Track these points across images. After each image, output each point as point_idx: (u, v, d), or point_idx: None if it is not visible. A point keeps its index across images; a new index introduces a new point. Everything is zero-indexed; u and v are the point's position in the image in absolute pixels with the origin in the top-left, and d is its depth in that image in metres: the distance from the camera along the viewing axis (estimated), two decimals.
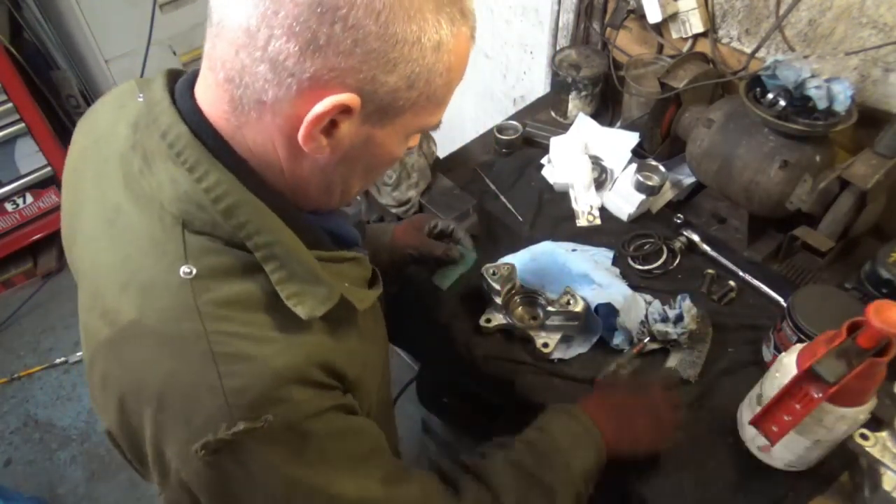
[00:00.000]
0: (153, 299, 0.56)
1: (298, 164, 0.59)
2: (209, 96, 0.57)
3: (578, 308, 1.03)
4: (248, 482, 0.56)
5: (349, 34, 0.50)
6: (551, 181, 1.38)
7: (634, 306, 1.07)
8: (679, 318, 1.04)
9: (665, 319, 1.06)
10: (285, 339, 0.57)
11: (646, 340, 1.05)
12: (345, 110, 0.53)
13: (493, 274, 1.08)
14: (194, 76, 0.61)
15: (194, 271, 0.55)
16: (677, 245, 1.22)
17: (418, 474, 0.72)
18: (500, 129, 1.48)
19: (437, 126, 0.64)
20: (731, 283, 1.15)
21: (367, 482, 0.63)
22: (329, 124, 0.54)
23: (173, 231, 0.56)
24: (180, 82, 0.62)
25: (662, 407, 0.91)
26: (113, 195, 0.61)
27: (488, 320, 1.10)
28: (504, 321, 1.09)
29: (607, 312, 1.07)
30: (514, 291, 1.11)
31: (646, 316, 1.07)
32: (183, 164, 0.56)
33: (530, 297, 1.11)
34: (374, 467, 0.65)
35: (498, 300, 1.09)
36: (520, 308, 1.11)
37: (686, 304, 1.05)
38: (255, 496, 0.57)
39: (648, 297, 1.12)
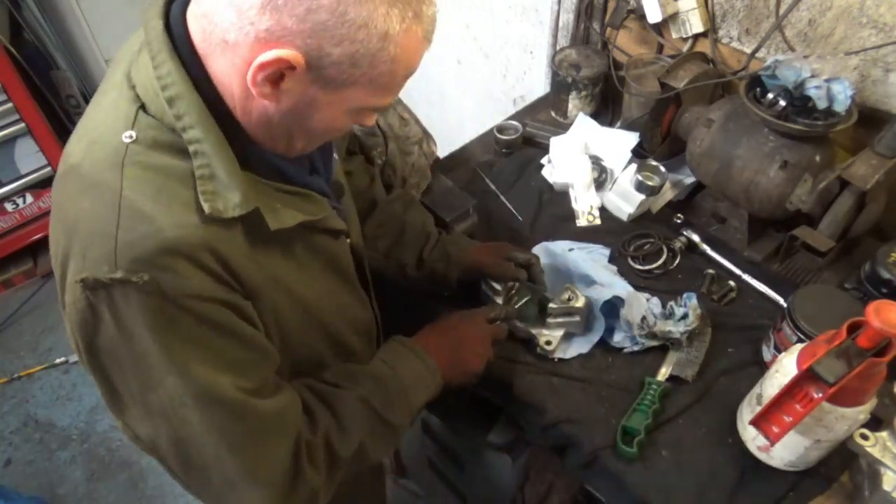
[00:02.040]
0: (94, 150, 0.65)
1: (249, 105, 0.66)
2: (192, 23, 0.65)
3: (580, 304, 1.03)
4: (113, 333, 0.62)
5: (304, 2, 0.57)
6: (551, 181, 1.38)
7: (636, 302, 1.07)
8: (684, 317, 1.04)
9: (668, 317, 1.06)
10: (187, 217, 0.63)
11: (644, 339, 1.05)
12: (289, 67, 0.60)
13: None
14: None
15: (135, 136, 0.63)
16: (677, 245, 1.22)
17: (285, 392, 0.75)
18: (500, 129, 1.48)
19: (383, 108, 0.72)
20: (731, 283, 1.15)
21: (223, 380, 0.66)
22: (277, 76, 0.61)
23: (131, 106, 0.65)
24: (175, 6, 0.68)
25: (469, 332, 0.99)
26: (108, 80, 0.70)
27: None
28: (504, 323, 1.09)
29: (608, 311, 1.07)
30: (514, 291, 1.11)
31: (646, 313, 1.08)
32: (149, 53, 0.64)
33: (533, 295, 1.11)
34: (239, 376, 0.68)
35: (499, 300, 1.09)
36: (522, 307, 1.11)
37: (693, 304, 1.05)
38: (117, 350, 0.63)
39: (648, 296, 1.12)
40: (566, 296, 1.05)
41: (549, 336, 1.06)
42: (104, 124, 0.66)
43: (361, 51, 0.61)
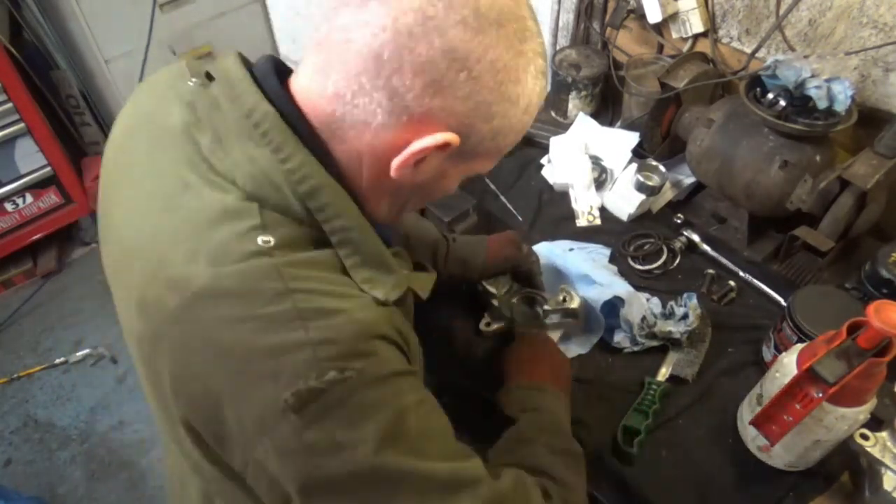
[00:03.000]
0: (229, 264, 0.54)
1: (377, 183, 0.62)
2: (310, 98, 0.59)
3: (574, 304, 1.03)
4: (336, 453, 0.53)
5: (469, 84, 0.55)
6: (551, 181, 1.38)
7: (636, 302, 1.07)
8: (684, 317, 1.04)
9: (668, 317, 1.06)
10: (367, 298, 0.58)
11: (644, 339, 1.05)
12: (441, 147, 0.57)
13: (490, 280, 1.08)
14: (275, 64, 0.63)
15: (272, 240, 0.55)
16: (677, 245, 1.22)
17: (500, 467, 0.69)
18: None
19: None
20: (731, 283, 1.15)
21: (456, 461, 0.59)
22: (417, 160, 0.58)
23: (249, 206, 0.57)
24: (261, 66, 0.63)
25: (550, 341, 1.01)
26: (175, 171, 0.60)
27: (488, 324, 1.09)
28: (504, 325, 1.09)
29: (608, 311, 1.07)
30: (511, 292, 1.11)
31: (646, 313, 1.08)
32: (268, 145, 0.57)
33: (529, 297, 1.11)
34: (457, 447, 0.62)
35: (495, 302, 1.09)
36: (519, 309, 1.11)
37: (692, 304, 1.05)
38: (341, 472, 0.53)
39: (648, 296, 1.12)
40: (561, 297, 1.05)
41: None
42: (218, 234, 0.56)
43: (506, 124, 0.60)
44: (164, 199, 0.60)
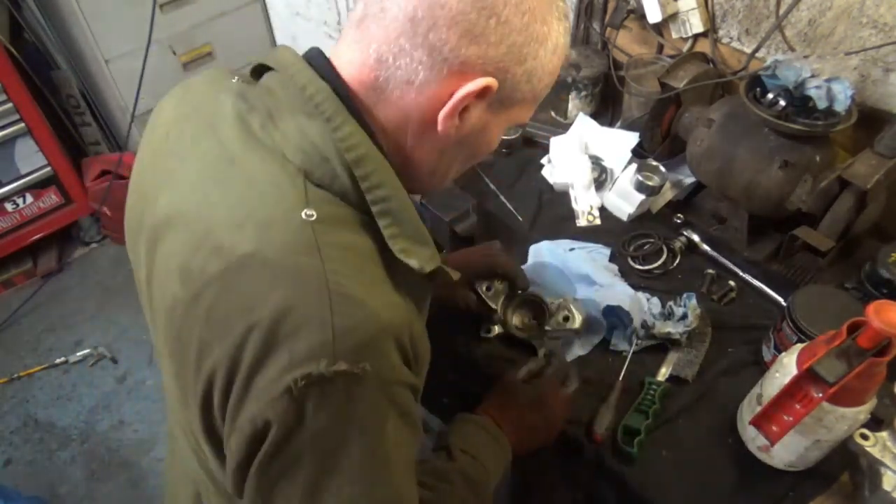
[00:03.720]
0: (272, 234, 0.57)
1: (423, 142, 0.64)
2: (352, 71, 0.62)
3: (577, 325, 1.03)
4: (307, 437, 0.54)
5: (500, 28, 0.58)
6: (551, 181, 1.38)
7: (636, 307, 1.07)
8: (683, 317, 1.04)
9: (667, 318, 1.06)
10: (392, 296, 0.60)
11: (644, 340, 1.05)
12: (481, 94, 0.60)
13: (488, 289, 1.07)
14: (319, 52, 0.65)
15: (315, 215, 0.57)
16: (677, 245, 1.22)
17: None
18: None
19: (525, 124, 0.69)
20: (731, 283, 1.15)
21: (411, 491, 0.61)
22: (462, 109, 0.61)
23: (296, 178, 0.59)
24: (312, 52, 0.65)
25: (555, 407, 0.94)
26: (224, 151, 0.62)
27: (488, 330, 1.09)
28: (503, 331, 1.08)
29: (610, 313, 1.07)
30: (508, 300, 1.09)
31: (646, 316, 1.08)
32: (322, 115, 0.59)
33: (529, 300, 1.09)
34: (411, 471, 0.63)
35: (495, 307, 1.08)
36: (518, 314, 1.10)
37: (692, 304, 1.05)
38: (302, 459, 0.55)
39: (647, 296, 1.12)
40: (562, 315, 1.04)
41: (548, 346, 1.05)
42: (266, 205, 0.58)
43: (538, 66, 0.62)
44: (214, 172, 0.62)
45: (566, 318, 1.04)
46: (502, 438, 0.87)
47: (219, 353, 0.56)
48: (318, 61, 0.64)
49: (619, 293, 1.08)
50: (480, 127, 0.65)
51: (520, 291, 1.09)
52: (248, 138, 0.62)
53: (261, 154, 0.61)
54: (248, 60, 0.71)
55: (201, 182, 0.63)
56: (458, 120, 0.62)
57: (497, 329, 1.09)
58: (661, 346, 1.06)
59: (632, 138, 1.34)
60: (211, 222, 0.60)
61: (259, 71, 0.69)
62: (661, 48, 1.46)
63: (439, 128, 0.62)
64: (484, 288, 1.07)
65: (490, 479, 0.83)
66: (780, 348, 0.97)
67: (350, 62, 0.62)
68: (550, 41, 0.61)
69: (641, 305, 1.08)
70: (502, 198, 1.37)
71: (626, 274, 1.19)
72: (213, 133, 0.64)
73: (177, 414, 0.75)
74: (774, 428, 0.82)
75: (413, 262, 0.61)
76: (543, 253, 1.20)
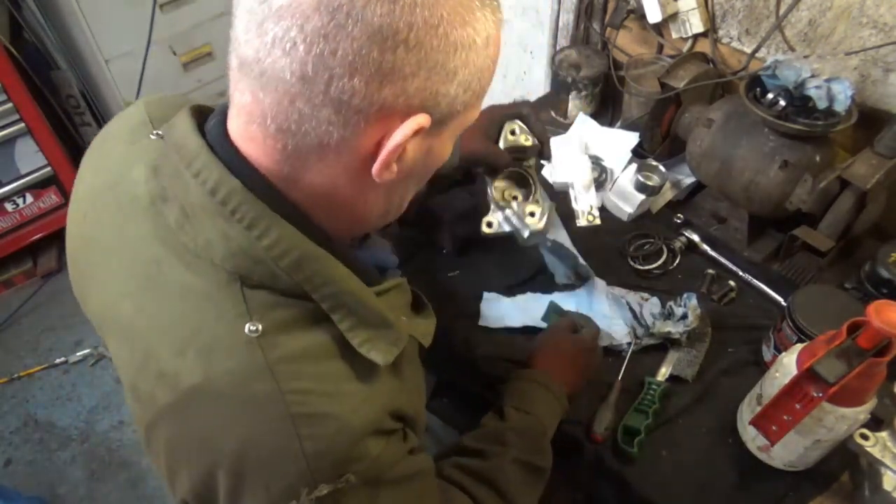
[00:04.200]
0: (218, 361, 0.53)
1: (363, 195, 0.58)
2: (255, 147, 0.54)
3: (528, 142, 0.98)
4: None
5: (413, 55, 0.48)
6: (551, 181, 1.38)
7: (617, 307, 1.08)
8: (683, 317, 1.04)
9: (667, 318, 1.06)
10: (360, 392, 0.56)
11: (641, 339, 1.05)
12: (415, 134, 0.52)
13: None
14: (223, 117, 0.57)
15: (260, 328, 0.53)
16: (677, 245, 1.22)
17: (455, 496, 0.72)
18: None
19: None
20: (731, 283, 1.15)
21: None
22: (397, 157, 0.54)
23: (230, 288, 0.54)
24: (212, 127, 0.57)
25: (591, 348, 0.98)
26: (146, 248, 0.57)
27: (489, 224, 1.02)
28: (506, 230, 1.02)
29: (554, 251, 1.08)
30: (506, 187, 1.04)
31: (641, 313, 1.08)
32: (240, 222, 0.53)
33: (516, 174, 1.03)
34: (434, 495, 0.65)
35: (492, 193, 1.02)
36: (506, 185, 1.04)
37: (692, 304, 1.05)
38: None
39: (646, 295, 1.12)
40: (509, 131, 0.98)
41: (534, 208, 1.00)
42: (204, 324, 0.54)
43: (472, 72, 0.53)
44: (143, 277, 0.57)
45: (513, 132, 0.98)
46: (554, 385, 0.87)
47: (188, 485, 0.55)
48: (223, 148, 0.55)
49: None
50: (424, 155, 0.57)
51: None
52: (167, 237, 0.56)
53: (186, 260, 0.55)
54: None
55: (131, 288, 0.58)
56: (395, 166, 0.54)
57: (497, 219, 1.01)
58: (661, 346, 1.06)
59: (632, 138, 1.34)
60: (149, 342, 0.56)
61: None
62: (661, 48, 1.46)
63: (376, 180, 0.55)
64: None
65: (546, 429, 0.84)
66: (780, 348, 0.97)
67: (252, 139, 0.54)
68: (479, 39, 0.52)
69: (622, 306, 1.10)
70: None
71: (627, 274, 1.19)
72: (133, 225, 0.59)
73: None
74: (774, 428, 0.82)
75: (377, 358, 0.56)
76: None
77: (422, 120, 0.52)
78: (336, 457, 0.52)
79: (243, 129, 0.54)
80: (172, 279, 0.55)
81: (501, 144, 0.99)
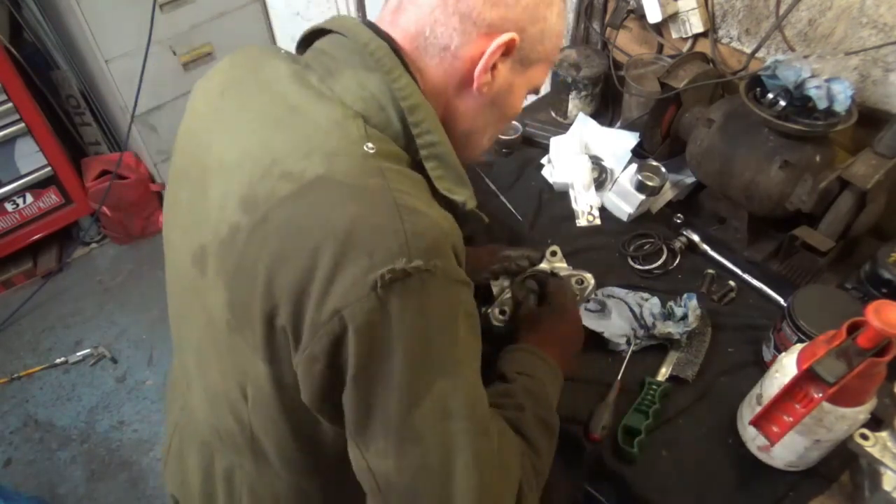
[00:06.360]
0: (340, 161, 0.63)
1: (457, 103, 0.73)
2: (398, 39, 0.70)
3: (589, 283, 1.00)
4: (398, 331, 0.59)
5: None
6: (551, 181, 1.38)
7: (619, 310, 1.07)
8: (684, 317, 1.04)
9: (667, 318, 1.06)
10: (442, 211, 0.66)
11: (641, 339, 1.05)
12: (507, 50, 0.69)
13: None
14: (371, 21, 0.73)
15: (375, 148, 0.65)
16: (677, 245, 1.22)
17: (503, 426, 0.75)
18: None
19: (540, 88, 0.82)
20: (731, 283, 1.16)
21: (481, 390, 0.66)
22: (495, 63, 0.69)
23: (355, 120, 0.66)
24: (364, 20, 0.73)
25: (573, 310, 0.98)
26: (286, 100, 0.69)
27: (503, 311, 1.00)
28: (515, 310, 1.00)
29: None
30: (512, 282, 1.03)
31: (641, 313, 1.08)
32: (381, 68, 0.67)
33: (533, 276, 1.04)
34: (479, 374, 0.67)
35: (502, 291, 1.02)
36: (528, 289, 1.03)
37: (692, 304, 1.05)
38: (393, 353, 0.59)
39: (646, 295, 1.12)
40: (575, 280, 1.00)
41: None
42: (331, 138, 0.65)
43: (549, 27, 0.71)
44: (276, 119, 0.68)
45: (580, 282, 1.01)
46: (550, 360, 0.89)
47: (295, 265, 0.60)
48: (373, 27, 0.71)
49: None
50: (507, 87, 0.73)
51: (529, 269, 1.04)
52: (307, 91, 0.69)
53: (322, 103, 0.67)
54: None
55: (262, 128, 0.68)
56: (490, 76, 0.69)
57: (509, 313, 1.01)
58: (661, 346, 1.06)
59: (632, 138, 1.34)
60: (277, 155, 0.65)
61: (307, 42, 0.76)
62: (661, 48, 1.46)
63: (475, 84, 0.70)
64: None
65: (549, 395, 0.86)
66: (780, 348, 0.97)
67: (399, 30, 0.70)
68: (556, 6, 0.71)
69: (623, 308, 1.09)
70: (502, 198, 1.37)
71: (627, 274, 1.19)
72: (271, 89, 0.71)
73: (209, 366, 0.77)
74: (774, 428, 0.82)
75: (458, 198, 0.69)
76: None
77: (515, 36, 0.68)
78: (429, 242, 0.60)
79: (388, 26, 0.71)
80: (306, 116, 0.67)
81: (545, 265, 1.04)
